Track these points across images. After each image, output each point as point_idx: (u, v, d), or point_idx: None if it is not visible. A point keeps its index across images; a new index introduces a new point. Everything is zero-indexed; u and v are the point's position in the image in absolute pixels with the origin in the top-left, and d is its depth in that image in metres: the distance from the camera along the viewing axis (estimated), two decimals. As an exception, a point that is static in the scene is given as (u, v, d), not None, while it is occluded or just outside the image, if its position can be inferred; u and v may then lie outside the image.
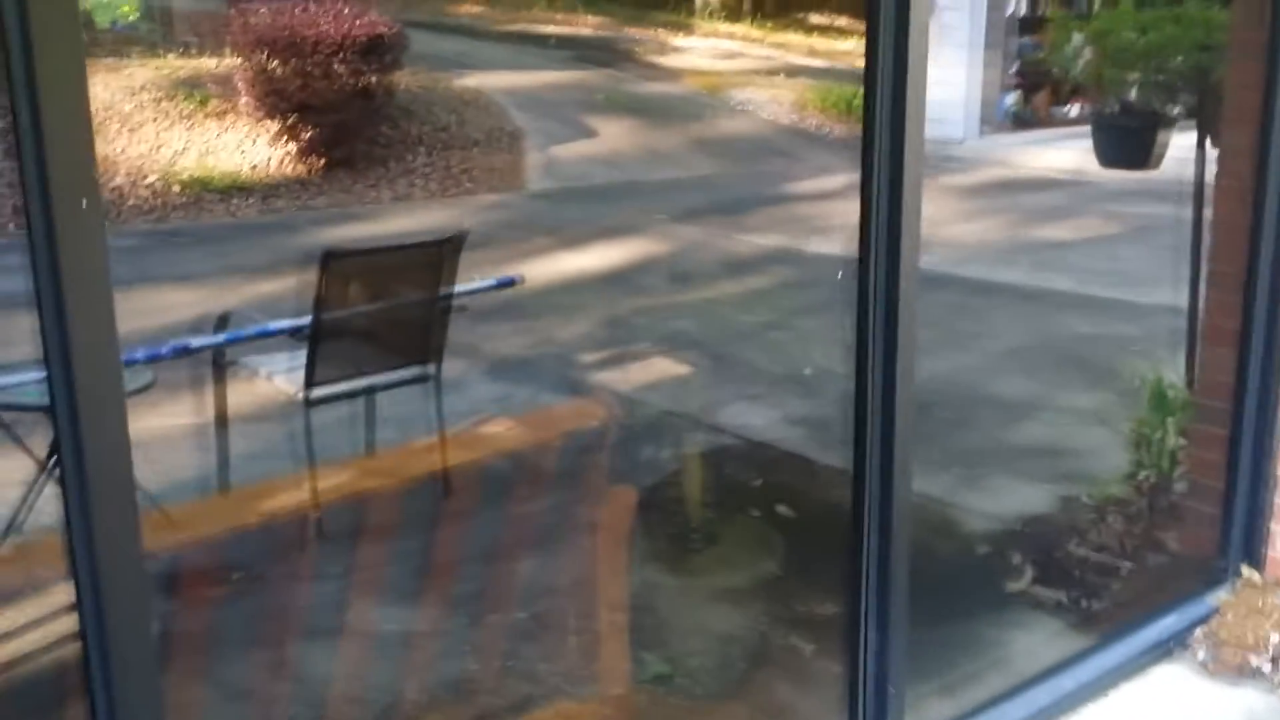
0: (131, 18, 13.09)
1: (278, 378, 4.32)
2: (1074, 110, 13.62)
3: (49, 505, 4.14)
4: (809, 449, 5.36)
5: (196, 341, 4.06)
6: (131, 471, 1.63)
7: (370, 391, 4.40)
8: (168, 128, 10.74)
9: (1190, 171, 4.90)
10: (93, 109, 1.54)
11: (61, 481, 1.61)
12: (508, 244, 9.03)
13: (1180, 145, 5.51)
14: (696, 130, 13.20)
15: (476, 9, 20.37)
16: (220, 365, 4.42)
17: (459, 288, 4.40)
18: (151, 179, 9.99)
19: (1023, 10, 13.45)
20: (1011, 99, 13.55)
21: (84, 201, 1.52)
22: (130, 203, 9.64)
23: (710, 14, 20.87)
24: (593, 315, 7.12)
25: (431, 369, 4.45)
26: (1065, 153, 12.01)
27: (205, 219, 9.61)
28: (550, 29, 18.73)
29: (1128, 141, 4.89)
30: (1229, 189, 3.52)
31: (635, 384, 6.07)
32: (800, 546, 4.27)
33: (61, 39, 1.48)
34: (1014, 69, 13.48)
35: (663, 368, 6.36)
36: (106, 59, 11.80)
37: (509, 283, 4.74)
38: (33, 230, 1.54)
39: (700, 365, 6.43)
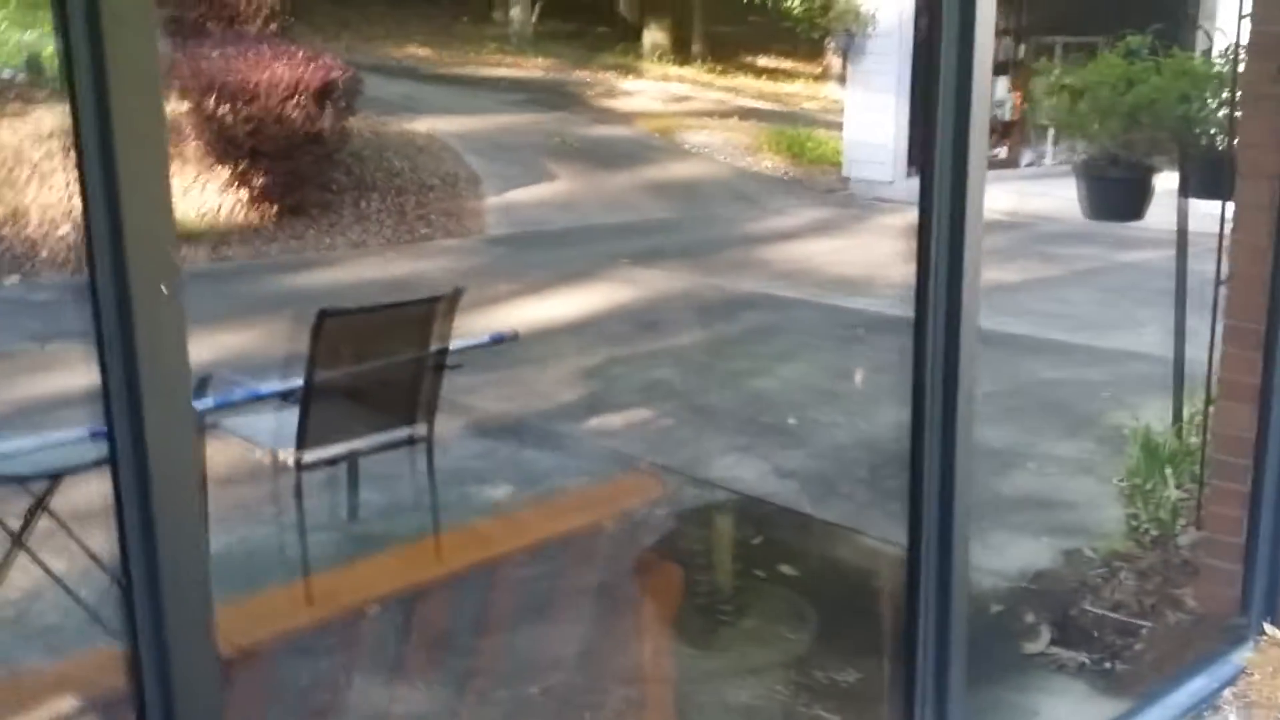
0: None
1: (263, 441, 4.17)
2: (1002, 153, 13.79)
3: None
4: (804, 503, 5.28)
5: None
6: (208, 580, 1.50)
7: (362, 454, 4.26)
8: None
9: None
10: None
11: (127, 598, 1.48)
12: (470, 292, 8.89)
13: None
14: (652, 173, 13.18)
15: (423, 51, 20.25)
16: (200, 429, 4.25)
17: (452, 344, 4.28)
18: (64, 229, 9.69)
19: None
20: (937, 141, 13.68)
21: (163, 287, 1.40)
22: (43, 255, 9.34)
23: (659, 57, 20.93)
24: (566, 365, 7.01)
25: (423, 429, 4.32)
26: (1002, 196, 11.98)
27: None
28: (500, 71, 18.67)
29: (1116, 193, 4.88)
30: (1245, 244, 3.50)
31: (619, 437, 5.97)
32: (810, 607, 4.17)
33: (145, 121, 1.36)
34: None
35: (645, 420, 6.26)
36: (52, 102, 11.52)
37: (503, 339, 4.62)
38: (103, 317, 1.42)
39: (682, 417, 6.34)
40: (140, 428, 1.41)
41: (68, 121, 1.37)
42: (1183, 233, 5.28)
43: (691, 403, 6.55)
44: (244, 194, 10.31)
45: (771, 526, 5.02)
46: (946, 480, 2.40)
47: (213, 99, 10.03)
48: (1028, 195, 12.19)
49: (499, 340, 4.57)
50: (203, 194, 10.39)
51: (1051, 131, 13.92)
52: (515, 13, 22.10)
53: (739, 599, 4.37)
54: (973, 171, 2.25)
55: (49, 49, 13.48)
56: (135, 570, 1.45)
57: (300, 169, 10.45)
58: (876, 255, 10.36)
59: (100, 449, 3.80)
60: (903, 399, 7.01)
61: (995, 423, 6.17)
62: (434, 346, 4.19)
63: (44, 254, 9.35)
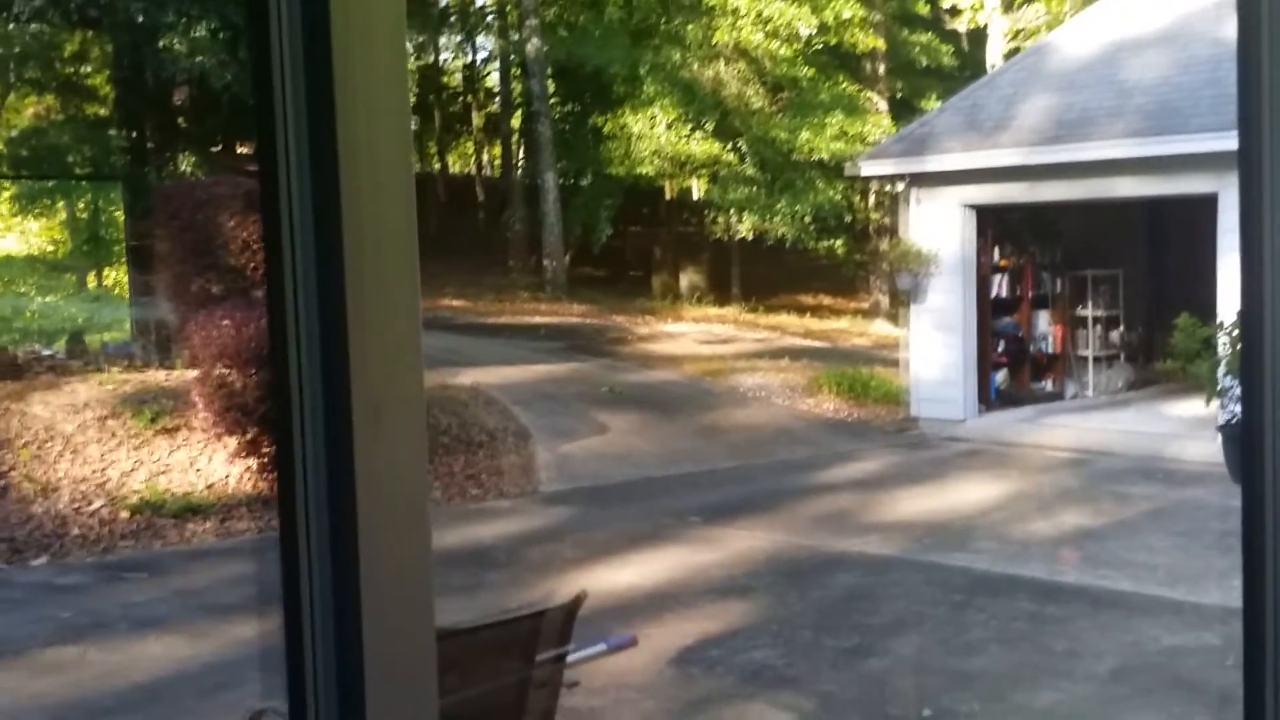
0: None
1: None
2: (1049, 386, 14.04)
3: None
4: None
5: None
6: None
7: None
8: (114, 448, 9.87)
9: None
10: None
11: None
12: (533, 561, 8.19)
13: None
14: (709, 420, 12.62)
15: (458, 303, 20.15)
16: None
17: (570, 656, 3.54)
18: (96, 504, 9.09)
19: (1003, 293, 13.49)
20: (1000, 377, 13.47)
21: None
22: (74, 532, 8.69)
23: (698, 298, 20.79)
24: (658, 647, 6.20)
25: (535, 768, 3.53)
26: (1060, 431, 12.11)
27: (157, 547, 8.63)
28: (536, 319, 18.46)
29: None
30: None
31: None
32: None
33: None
34: (1000, 348, 13.45)
35: (759, 715, 5.44)
36: (45, 375, 11.13)
37: (621, 646, 3.89)
38: None
39: (800, 708, 5.52)
40: None
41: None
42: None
43: (807, 692, 5.73)
44: (253, 462, 9.66)
45: None
46: None
47: (221, 366, 9.54)
48: (1083, 430, 12.06)
49: (618, 647, 3.83)
50: (210, 464, 9.78)
51: (1091, 364, 13.75)
52: (548, 260, 22.12)
53: None
54: None
55: (80, 315, 13.20)
56: None
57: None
58: (964, 502, 9.65)
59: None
60: (1032, 681, 6.12)
61: (1139, 707, 5.50)
62: (546, 659, 3.45)
63: (75, 531, 8.71)
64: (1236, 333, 8.48)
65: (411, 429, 0.91)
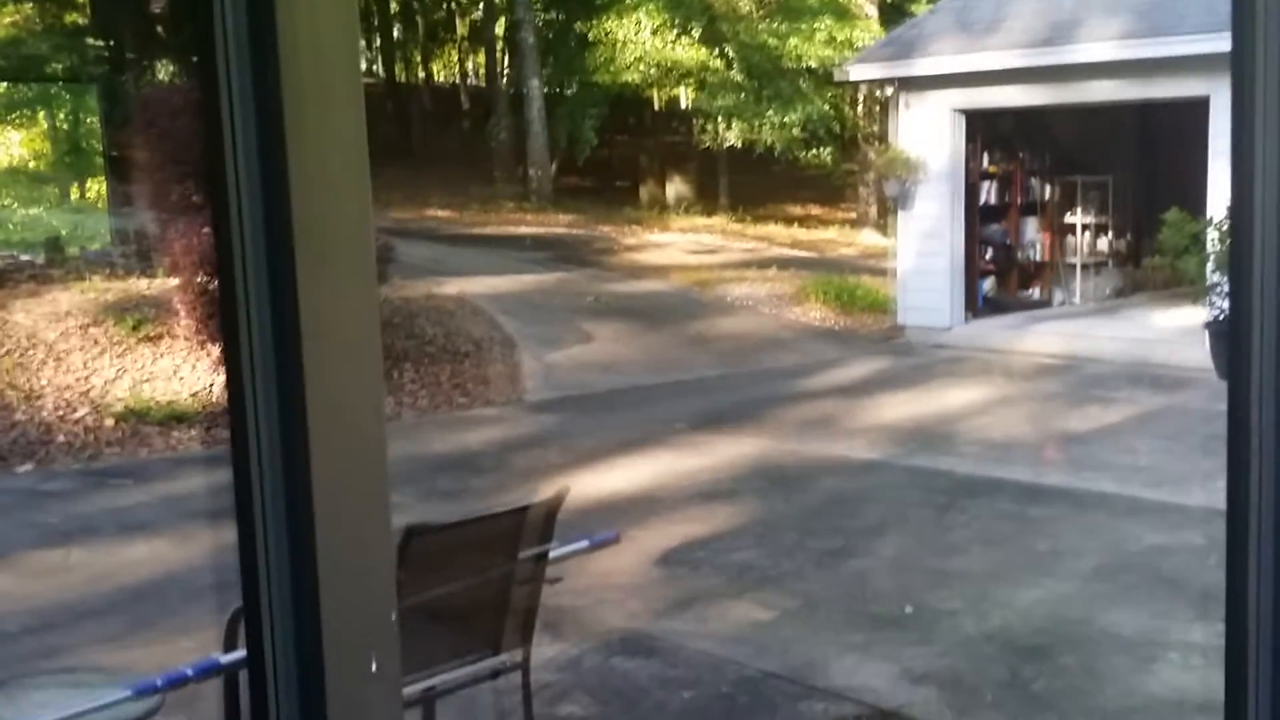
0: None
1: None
2: (1036, 293, 13.99)
3: None
4: (946, 716, 4.49)
5: (227, 658, 3.15)
6: None
7: (455, 688, 3.50)
8: (97, 355, 9.81)
9: None
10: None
11: None
12: (519, 467, 8.19)
13: None
14: (695, 329, 12.59)
15: (443, 213, 19.97)
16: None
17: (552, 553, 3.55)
18: (81, 412, 9.05)
19: (991, 199, 13.39)
20: (988, 285, 13.46)
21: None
22: (59, 439, 8.67)
23: (685, 208, 20.63)
24: (643, 549, 6.24)
25: (519, 655, 3.56)
26: (1047, 337, 12.12)
27: (143, 454, 8.62)
28: (522, 229, 18.31)
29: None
30: None
31: (720, 636, 5.18)
32: None
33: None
34: (987, 255, 13.39)
35: (744, 613, 5.48)
36: (26, 284, 11.02)
37: (605, 541, 3.89)
38: None
39: (783, 606, 5.57)
40: None
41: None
42: None
43: (790, 592, 5.77)
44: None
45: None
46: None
47: (203, 274, 9.46)
48: (1069, 336, 12.06)
49: (599, 544, 3.83)
50: (194, 373, 9.74)
51: (1079, 271, 13.72)
52: (534, 170, 21.90)
53: None
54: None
55: (62, 225, 13.09)
56: None
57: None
58: (949, 407, 9.67)
59: (143, 707, 3.08)
60: (1014, 580, 6.16)
61: (1119, 604, 5.57)
62: (531, 559, 3.46)
63: (60, 438, 8.69)
64: (1226, 227, 8.39)
65: (359, 271, 0.87)
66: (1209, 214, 9.72)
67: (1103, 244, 14.27)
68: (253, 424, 0.90)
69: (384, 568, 0.92)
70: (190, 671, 3.04)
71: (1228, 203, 1.18)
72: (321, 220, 0.88)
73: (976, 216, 13.01)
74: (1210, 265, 9.41)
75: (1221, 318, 9.07)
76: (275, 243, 0.88)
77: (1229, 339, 1.26)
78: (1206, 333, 9.64)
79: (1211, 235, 9.26)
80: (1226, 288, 5.00)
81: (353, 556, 0.87)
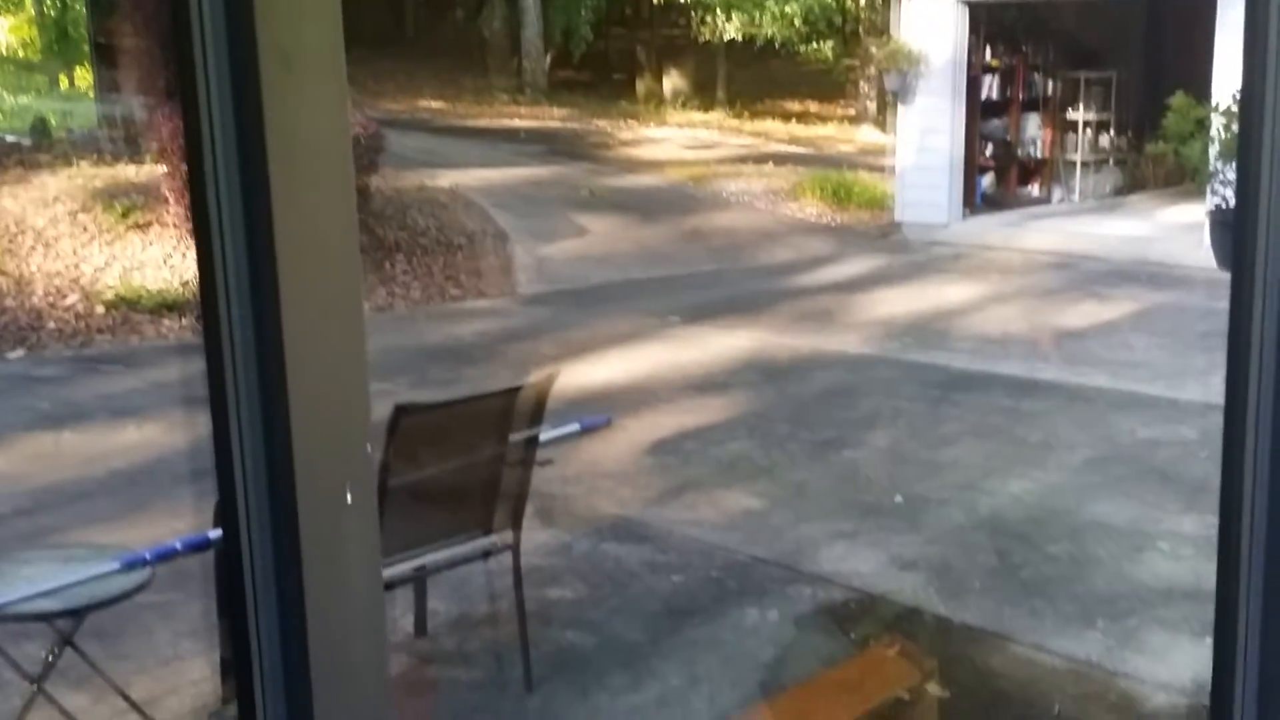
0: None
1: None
2: (1036, 190, 13.87)
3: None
4: (934, 601, 4.53)
5: (216, 533, 3.16)
6: None
7: (446, 567, 3.52)
8: (86, 243, 9.70)
9: None
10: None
11: None
12: (511, 357, 8.18)
13: None
14: (691, 224, 12.49)
15: (436, 104, 19.69)
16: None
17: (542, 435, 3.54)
18: (72, 299, 8.99)
19: (993, 95, 13.20)
20: (987, 181, 13.33)
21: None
22: (50, 326, 8.63)
23: (682, 103, 20.34)
24: (634, 439, 6.25)
25: (510, 537, 3.57)
26: (1045, 235, 12.02)
27: (134, 341, 8.58)
28: (517, 122, 18.07)
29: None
30: None
31: (710, 524, 5.21)
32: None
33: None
34: (987, 151, 13.25)
35: (734, 502, 5.51)
36: (14, 169, 10.87)
37: (596, 425, 3.88)
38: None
39: (774, 496, 5.60)
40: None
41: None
42: None
43: (781, 481, 5.79)
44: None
45: (905, 634, 4.26)
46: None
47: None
48: (1068, 234, 11.97)
49: (591, 427, 3.82)
50: (184, 261, 9.64)
51: (1079, 169, 13.60)
52: (528, 62, 21.55)
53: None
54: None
55: (51, 112, 12.92)
56: None
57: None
58: (944, 303, 9.64)
59: (132, 580, 3.10)
60: (1004, 471, 6.19)
61: (1109, 495, 5.60)
62: (522, 441, 3.45)
63: (50, 325, 8.64)
64: (1232, 111, 8.22)
65: (329, 80, 0.83)
66: (1214, 100, 9.56)
67: (1104, 141, 14.12)
68: (211, 184, 0.85)
69: (358, 398, 0.89)
70: (179, 545, 3.05)
71: (1232, 91, 1.15)
72: (295, 104, 0.83)
73: (977, 112, 12.84)
74: (1214, 151, 9.28)
75: (1224, 206, 8.98)
76: (244, 134, 0.83)
77: (1233, 227, 1.23)
78: (1208, 221, 9.55)
79: (1216, 121, 9.10)
80: (1230, 176, 4.94)
81: (326, 385, 0.84)
